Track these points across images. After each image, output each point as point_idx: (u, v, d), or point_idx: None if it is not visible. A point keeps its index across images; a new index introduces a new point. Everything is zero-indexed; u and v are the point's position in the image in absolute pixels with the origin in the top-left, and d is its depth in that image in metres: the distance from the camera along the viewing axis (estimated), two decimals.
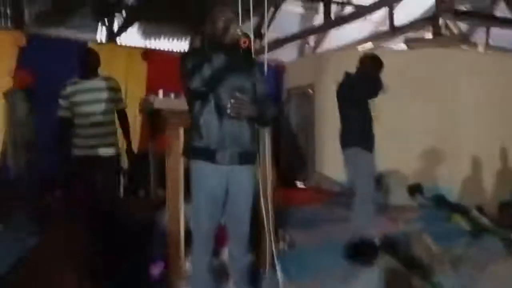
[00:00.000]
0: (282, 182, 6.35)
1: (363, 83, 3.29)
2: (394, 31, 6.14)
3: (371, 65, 3.35)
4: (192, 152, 2.13)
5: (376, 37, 6.81)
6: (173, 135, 2.40)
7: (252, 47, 2.28)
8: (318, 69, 6.19)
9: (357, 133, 3.32)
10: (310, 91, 6.46)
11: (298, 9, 7.59)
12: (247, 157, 2.13)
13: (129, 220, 2.85)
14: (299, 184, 6.43)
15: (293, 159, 6.70)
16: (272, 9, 7.19)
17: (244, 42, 2.05)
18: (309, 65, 6.62)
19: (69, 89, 3.18)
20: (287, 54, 7.57)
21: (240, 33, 2.06)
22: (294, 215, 4.42)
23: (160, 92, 2.72)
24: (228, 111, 2.00)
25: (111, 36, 6.38)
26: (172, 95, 2.68)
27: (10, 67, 5.18)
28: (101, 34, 6.48)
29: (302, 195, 5.71)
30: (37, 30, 5.85)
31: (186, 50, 2.17)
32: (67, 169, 3.29)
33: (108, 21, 6.26)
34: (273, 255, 2.58)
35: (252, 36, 2.33)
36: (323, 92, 5.97)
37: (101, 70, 5.44)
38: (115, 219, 2.80)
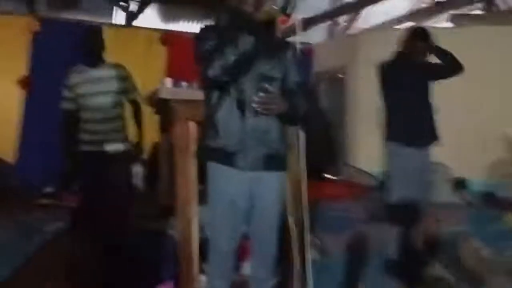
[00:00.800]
0: (309, 174, 5.94)
1: (405, 63, 2.76)
2: (438, 7, 5.50)
3: (416, 42, 2.77)
4: (206, 152, 1.76)
5: (416, 14, 6.17)
6: (181, 129, 2.02)
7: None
8: (350, 51, 5.73)
9: (397, 124, 2.81)
10: (341, 75, 5.99)
11: None
12: (275, 162, 1.75)
13: (135, 227, 2.53)
14: (328, 177, 6.01)
15: (321, 149, 6.27)
16: None
17: (284, 21, 1.63)
18: (340, 47, 6.16)
19: (74, 78, 2.87)
20: (315, 36, 7.06)
21: (278, 10, 1.64)
22: (324, 213, 4.03)
23: (168, 80, 2.35)
24: (254, 106, 1.64)
25: (128, 20, 6.04)
26: (184, 84, 2.30)
27: (25, 54, 4.99)
28: (117, 18, 6.15)
29: (332, 189, 5.35)
30: (50, 13, 5.57)
31: (202, 28, 1.75)
32: (73, 166, 2.99)
33: (124, 3, 5.91)
34: (304, 268, 2.19)
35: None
36: (356, 76, 5.56)
37: (117, 56, 5.14)
38: (119, 226, 2.49)
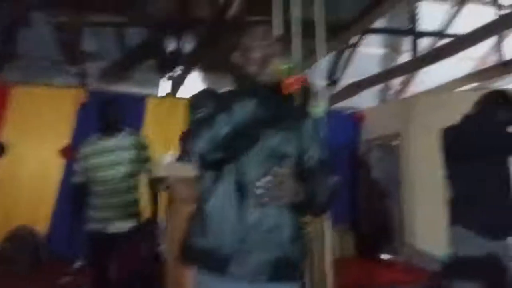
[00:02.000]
0: (361, 253, 5.29)
1: (478, 130, 2.21)
2: (505, 67, 4.93)
3: (498, 105, 2.24)
4: (190, 254, 1.36)
5: (479, 75, 5.59)
6: (178, 215, 1.65)
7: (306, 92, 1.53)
8: (405, 116, 5.24)
9: (468, 204, 2.18)
10: (395, 142, 5.46)
11: (379, 50, 6.73)
12: (286, 270, 1.31)
13: None
14: (384, 256, 5.27)
15: (375, 225, 5.59)
16: (347, 51, 6.46)
17: (291, 85, 1.27)
18: (394, 111, 5.68)
19: (84, 149, 2.67)
20: (366, 101, 6.69)
21: (287, 69, 1.29)
22: None
23: (169, 153, 2.03)
24: (257, 194, 1.26)
25: (173, 89, 6.11)
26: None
27: (70, 124, 5.10)
28: (163, 88, 6.27)
29: (388, 272, 4.65)
30: (101, 86, 5.78)
31: (196, 93, 1.45)
32: (81, 246, 2.74)
33: (168, 73, 6.03)
34: None
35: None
36: (411, 143, 5.00)
37: (158, 125, 5.00)
38: None
